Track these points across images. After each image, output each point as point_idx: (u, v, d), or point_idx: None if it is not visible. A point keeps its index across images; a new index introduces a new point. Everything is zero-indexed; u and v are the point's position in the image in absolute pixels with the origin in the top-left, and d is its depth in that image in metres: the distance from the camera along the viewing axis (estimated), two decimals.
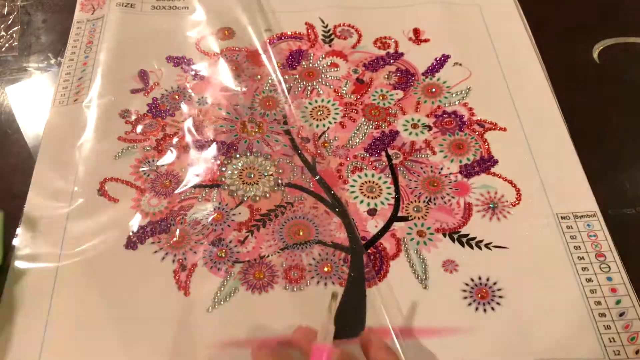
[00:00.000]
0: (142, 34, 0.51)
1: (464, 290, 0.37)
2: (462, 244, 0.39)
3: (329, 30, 0.52)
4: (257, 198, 0.41)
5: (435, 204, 0.41)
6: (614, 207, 0.42)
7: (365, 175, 0.43)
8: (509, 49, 0.51)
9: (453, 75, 0.49)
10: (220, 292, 0.37)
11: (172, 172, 0.42)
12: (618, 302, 0.36)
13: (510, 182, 0.42)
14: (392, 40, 0.52)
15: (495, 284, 0.37)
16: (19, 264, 0.37)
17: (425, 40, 0.52)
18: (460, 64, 0.50)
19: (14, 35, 0.52)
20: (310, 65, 0.50)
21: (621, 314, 0.36)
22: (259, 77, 0.49)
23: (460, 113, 0.46)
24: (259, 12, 0.54)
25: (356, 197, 0.41)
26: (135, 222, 0.39)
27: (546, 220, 0.40)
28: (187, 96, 0.47)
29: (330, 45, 0.51)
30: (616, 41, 0.52)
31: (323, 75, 0.49)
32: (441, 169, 0.43)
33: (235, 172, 0.42)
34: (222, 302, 0.36)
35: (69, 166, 0.42)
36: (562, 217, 0.40)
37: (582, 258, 0.38)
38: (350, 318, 0.36)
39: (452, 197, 0.41)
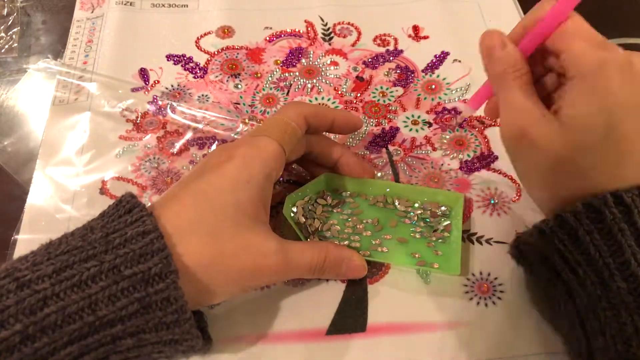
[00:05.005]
0: (142, 32, 0.51)
1: (465, 285, 0.37)
2: (462, 240, 0.39)
3: (328, 29, 0.52)
4: None
5: None
6: None
7: None
8: None
9: (453, 72, 0.49)
10: None
11: (174, 170, 0.42)
12: None
13: (511, 178, 0.42)
14: (392, 37, 0.52)
15: (496, 279, 0.37)
16: None
17: (425, 37, 0.52)
18: (460, 61, 0.50)
19: (14, 36, 0.52)
20: (310, 63, 0.50)
21: None
22: (259, 74, 0.49)
23: (460, 109, 0.46)
24: (259, 9, 0.54)
25: None
26: None
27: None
28: (187, 94, 0.47)
29: (330, 44, 0.51)
30: (616, 41, 0.52)
31: (323, 74, 0.49)
32: (442, 165, 0.43)
33: None
34: None
35: (70, 166, 0.42)
36: None
37: None
38: (352, 314, 0.36)
39: None
